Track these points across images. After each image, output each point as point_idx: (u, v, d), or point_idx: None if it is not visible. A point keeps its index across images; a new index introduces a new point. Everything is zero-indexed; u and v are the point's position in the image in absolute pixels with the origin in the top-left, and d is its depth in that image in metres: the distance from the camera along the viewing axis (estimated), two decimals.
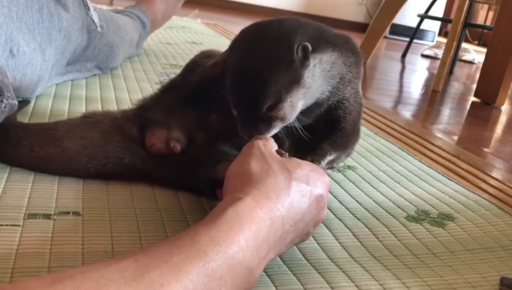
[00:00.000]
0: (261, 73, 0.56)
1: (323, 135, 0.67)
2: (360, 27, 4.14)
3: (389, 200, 0.79)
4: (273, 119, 0.58)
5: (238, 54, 0.61)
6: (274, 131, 0.59)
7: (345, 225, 0.68)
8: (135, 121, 0.71)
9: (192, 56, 0.79)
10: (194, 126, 0.70)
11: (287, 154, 0.56)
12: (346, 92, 0.67)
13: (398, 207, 0.77)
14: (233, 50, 0.63)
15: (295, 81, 0.58)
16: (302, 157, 0.60)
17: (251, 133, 0.58)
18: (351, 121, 0.70)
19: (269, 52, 0.57)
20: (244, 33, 0.63)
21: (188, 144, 0.70)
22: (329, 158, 0.66)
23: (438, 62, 2.36)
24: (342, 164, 0.89)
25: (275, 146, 0.57)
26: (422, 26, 3.29)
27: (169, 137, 0.69)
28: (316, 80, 0.61)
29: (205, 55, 0.77)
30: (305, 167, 0.54)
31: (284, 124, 0.60)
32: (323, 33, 0.63)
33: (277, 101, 0.57)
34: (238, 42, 0.63)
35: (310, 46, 0.58)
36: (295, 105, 0.59)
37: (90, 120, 0.70)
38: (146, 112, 0.72)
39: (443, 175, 0.94)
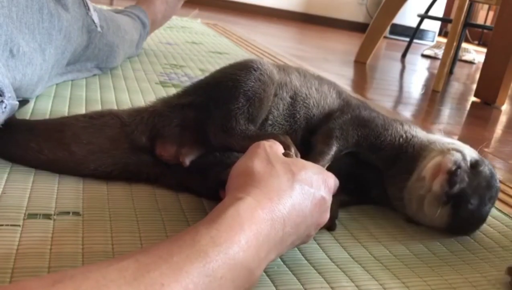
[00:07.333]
0: None
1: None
2: (360, 27, 4.14)
3: None
4: None
5: None
6: None
7: (345, 225, 0.68)
8: (145, 131, 0.69)
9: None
10: (208, 147, 0.68)
11: (293, 154, 0.56)
12: None
13: None
14: None
15: None
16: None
17: None
18: None
19: None
20: None
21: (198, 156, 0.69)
22: None
23: (438, 62, 2.36)
24: None
25: (281, 148, 0.57)
26: (422, 26, 3.29)
27: (179, 152, 0.68)
28: None
29: (241, 67, 0.68)
30: (309, 169, 0.53)
31: None
32: None
33: None
34: None
35: None
36: None
37: (97, 122, 0.70)
38: (159, 125, 0.69)
39: None
